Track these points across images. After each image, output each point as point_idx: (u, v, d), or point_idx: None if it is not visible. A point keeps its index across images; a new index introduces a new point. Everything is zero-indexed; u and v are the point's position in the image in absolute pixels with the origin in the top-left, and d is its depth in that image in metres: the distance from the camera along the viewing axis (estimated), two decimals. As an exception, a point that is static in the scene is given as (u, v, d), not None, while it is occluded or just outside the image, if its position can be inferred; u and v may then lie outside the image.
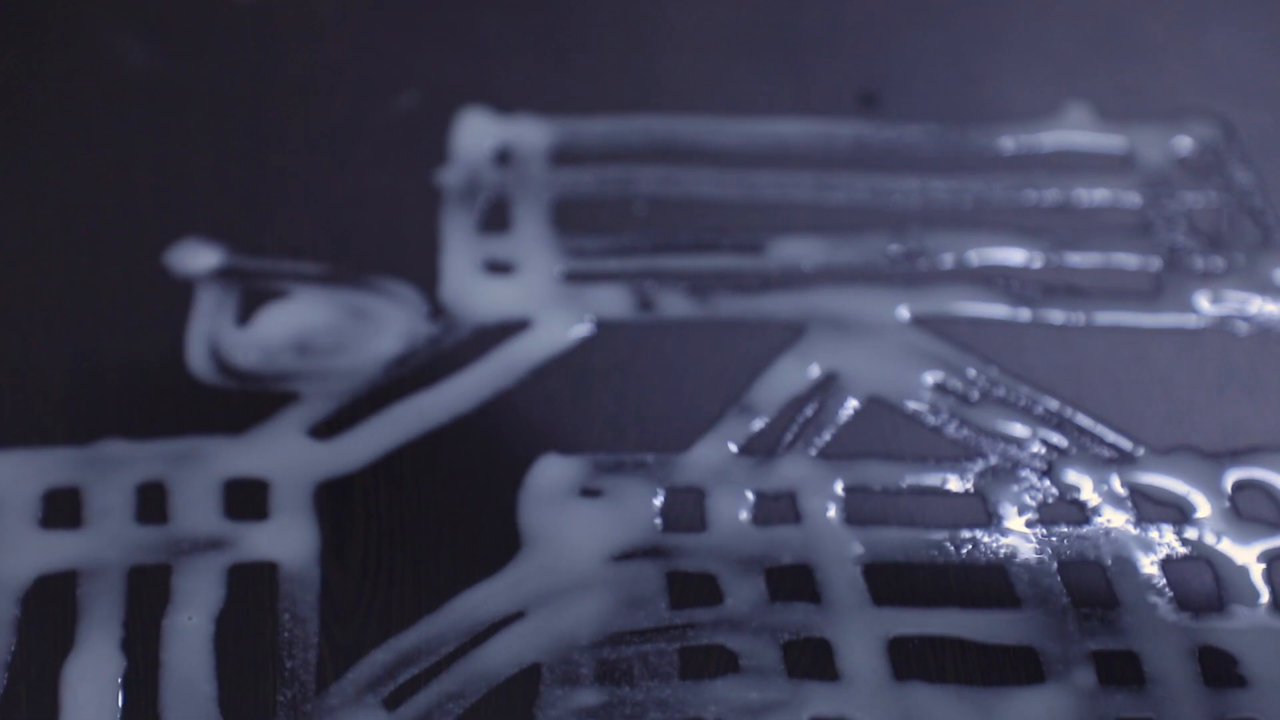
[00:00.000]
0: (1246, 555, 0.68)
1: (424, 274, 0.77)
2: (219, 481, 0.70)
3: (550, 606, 0.67)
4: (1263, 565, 0.67)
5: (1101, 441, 0.72)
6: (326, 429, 0.72)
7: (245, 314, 0.75)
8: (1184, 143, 0.82)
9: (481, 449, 0.72)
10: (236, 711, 0.63)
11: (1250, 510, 0.69)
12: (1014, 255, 0.78)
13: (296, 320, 0.76)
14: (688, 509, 0.70)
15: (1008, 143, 0.82)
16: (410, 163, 0.82)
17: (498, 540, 0.68)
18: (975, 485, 0.70)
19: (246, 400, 0.72)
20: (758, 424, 0.72)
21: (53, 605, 0.66)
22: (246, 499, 0.69)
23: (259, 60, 0.86)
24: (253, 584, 0.67)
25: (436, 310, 0.76)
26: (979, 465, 0.71)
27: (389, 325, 0.76)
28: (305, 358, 0.74)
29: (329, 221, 0.79)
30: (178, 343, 0.74)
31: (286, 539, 0.68)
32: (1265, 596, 0.67)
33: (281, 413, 0.72)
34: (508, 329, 0.76)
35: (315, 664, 0.64)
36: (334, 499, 0.69)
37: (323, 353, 0.75)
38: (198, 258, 0.77)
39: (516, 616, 0.66)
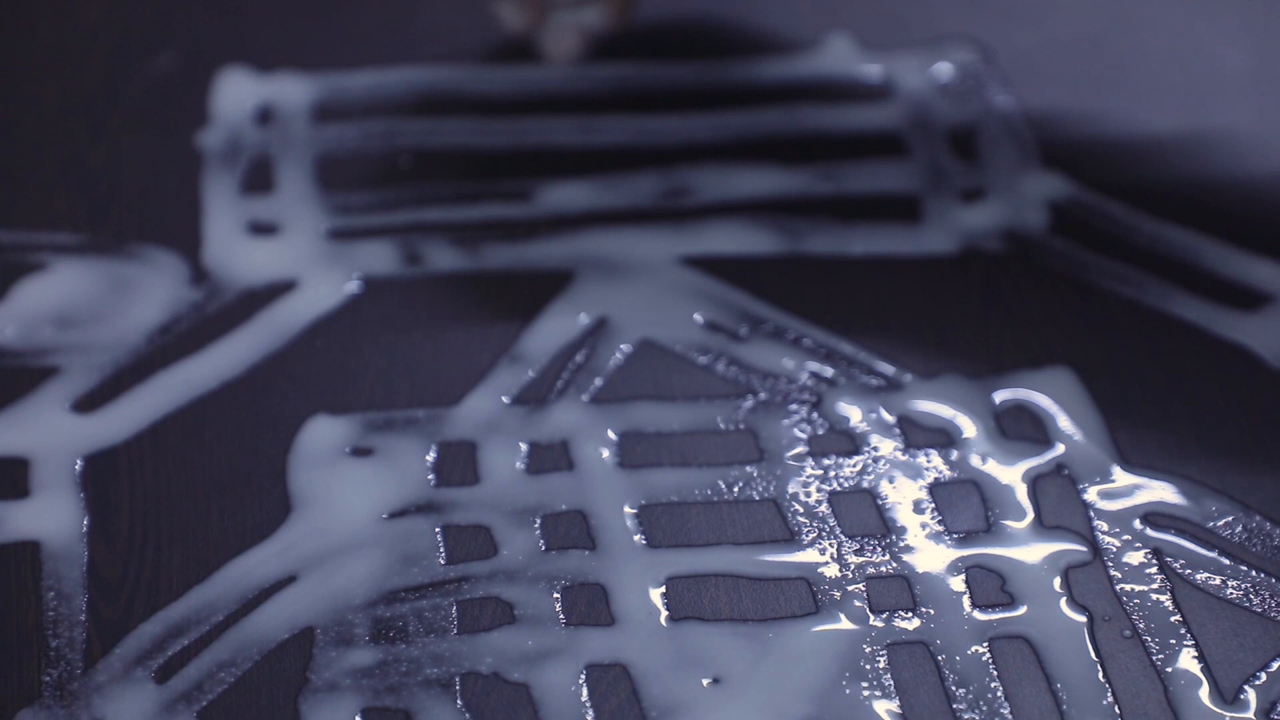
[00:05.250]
0: (1012, 475, 0.69)
1: (186, 239, 0.76)
2: (-22, 462, 0.68)
3: (323, 568, 0.66)
4: (1027, 484, 0.68)
5: (869, 370, 0.72)
6: (89, 402, 0.71)
7: (1, 289, 0.74)
8: (944, 68, 0.83)
9: (250, 414, 0.71)
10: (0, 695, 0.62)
11: (1015, 430, 0.70)
12: (779, 187, 0.78)
13: (55, 293, 0.74)
14: (460, 463, 0.69)
15: (770, 76, 0.82)
16: (169, 126, 0.80)
17: (268, 505, 0.67)
18: (746, 422, 0.70)
19: (4, 377, 0.71)
20: (529, 374, 0.72)
21: None
22: (6, 478, 0.68)
23: (9, 26, 0.84)
24: (14, 564, 0.65)
25: (200, 275, 0.75)
26: (749, 402, 0.71)
27: (151, 293, 0.74)
28: (65, 330, 0.73)
29: (86, 190, 0.78)
30: (-69, 322, 0.72)
31: (49, 516, 0.67)
32: (1030, 515, 0.67)
33: (41, 388, 0.71)
34: (274, 291, 0.75)
35: (82, 641, 0.63)
36: (98, 473, 0.68)
37: (83, 324, 0.73)
38: (-50, 234, 0.75)
39: (289, 581, 0.66)
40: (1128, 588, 0.65)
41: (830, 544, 0.67)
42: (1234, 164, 0.79)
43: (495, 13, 0.82)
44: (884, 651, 0.64)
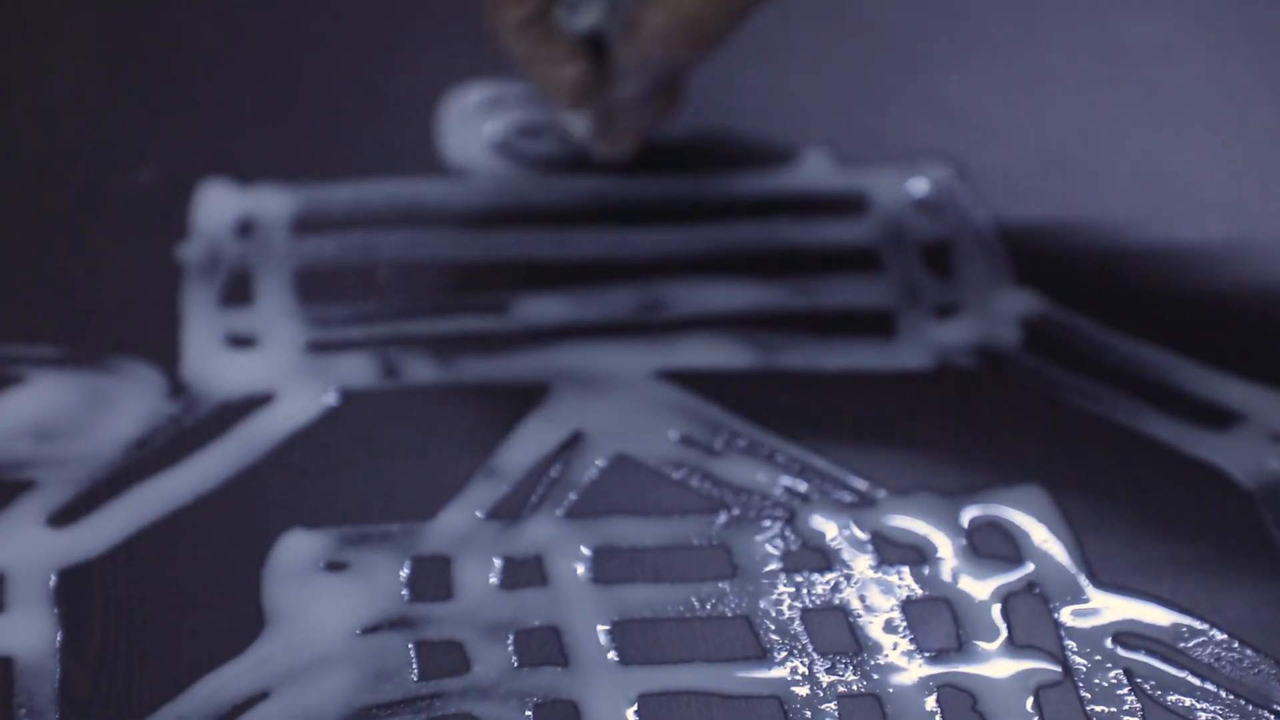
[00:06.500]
0: (983, 592, 0.69)
1: (165, 352, 0.76)
2: (-48, 577, 0.68)
3: (295, 685, 0.66)
4: (999, 602, 0.68)
5: (843, 486, 0.72)
6: (64, 516, 0.71)
7: (-21, 402, 0.74)
8: (919, 184, 0.84)
9: (225, 528, 0.71)
10: (-30, 815, 0.62)
11: (987, 548, 0.70)
12: (755, 302, 0.79)
13: (32, 406, 0.74)
14: (434, 577, 0.69)
15: (747, 190, 0.83)
16: (149, 239, 0.81)
17: (242, 621, 0.68)
18: (719, 538, 0.71)
19: (-20, 491, 0.71)
20: (504, 488, 0.72)
21: None
22: (-20, 594, 0.68)
23: (-9, 140, 0.84)
24: (-14, 682, 0.66)
25: (177, 388, 0.75)
26: (723, 517, 0.71)
27: (128, 407, 0.75)
28: (42, 444, 0.73)
29: (66, 303, 0.78)
30: (-92, 436, 0.73)
31: (23, 632, 0.67)
32: (1002, 634, 0.68)
33: (17, 501, 0.71)
34: (251, 404, 0.75)
35: (52, 760, 0.63)
36: (72, 588, 0.68)
37: (60, 438, 0.73)
38: (-72, 347, 0.76)
39: (261, 697, 0.66)
40: (1099, 709, 0.65)
41: (802, 662, 0.67)
42: (1205, 281, 0.80)
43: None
44: (855, 771, 0.64)
